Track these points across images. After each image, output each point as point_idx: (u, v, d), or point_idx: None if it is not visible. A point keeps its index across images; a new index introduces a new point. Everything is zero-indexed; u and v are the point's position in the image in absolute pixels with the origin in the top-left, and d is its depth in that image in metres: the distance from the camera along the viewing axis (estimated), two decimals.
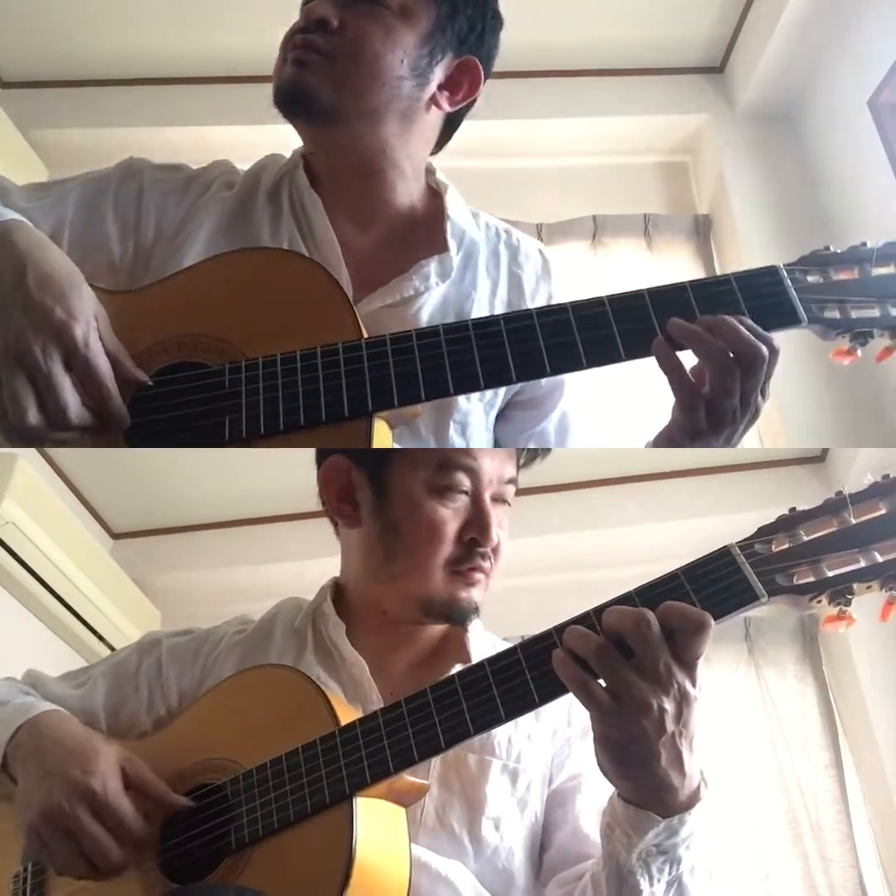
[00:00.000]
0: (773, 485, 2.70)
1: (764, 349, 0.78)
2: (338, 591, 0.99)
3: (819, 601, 0.74)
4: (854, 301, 0.81)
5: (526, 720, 0.90)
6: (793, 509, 0.78)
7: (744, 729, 2.55)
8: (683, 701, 0.69)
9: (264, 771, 0.80)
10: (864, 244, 0.83)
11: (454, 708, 0.76)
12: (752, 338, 0.77)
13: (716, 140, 2.72)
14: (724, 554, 0.75)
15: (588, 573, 2.75)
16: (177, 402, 0.79)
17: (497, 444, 1.05)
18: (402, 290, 0.95)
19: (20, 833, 0.86)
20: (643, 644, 0.69)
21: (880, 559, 0.74)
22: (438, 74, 0.96)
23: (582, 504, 2.75)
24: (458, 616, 0.91)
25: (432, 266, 0.96)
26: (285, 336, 0.79)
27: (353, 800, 0.75)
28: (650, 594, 0.74)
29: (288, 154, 1.05)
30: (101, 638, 2.45)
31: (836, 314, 0.82)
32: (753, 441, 2.57)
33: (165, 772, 0.84)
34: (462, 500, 0.90)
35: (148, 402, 0.79)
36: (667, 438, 0.85)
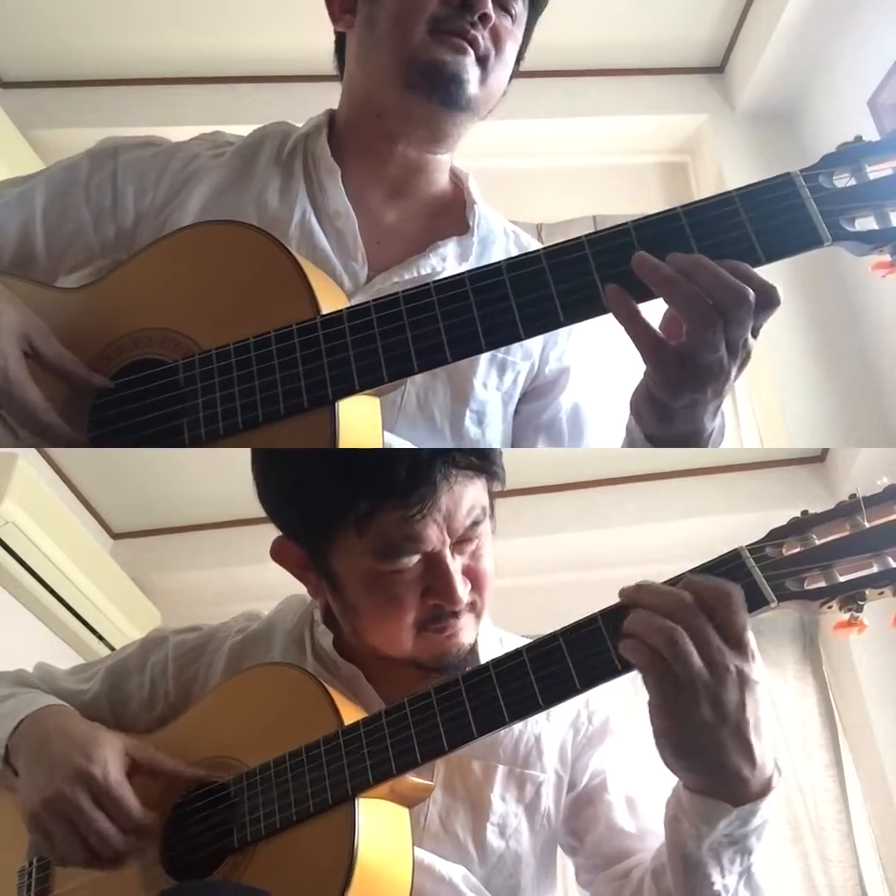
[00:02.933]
0: (773, 485, 2.70)
1: (751, 294, 0.66)
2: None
3: (830, 607, 0.71)
4: (895, 202, 0.67)
5: (534, 720, 0.88)
6: (805, 512, 0.75)
7: None
8: (744, 686, 0.66)
9: (267, 770, 0.80)
10: None
11: (457, 709, 0.75)
12: (737, 282, 0.66)
13: (716, 140, 2.72)
14: (733, 557, 0.74)
15: (588, 573, 2.75)
16: (135, 406, 0.76)
17: (513, 437, 1.01)
18: (419, 268, 0.92)
19: (24, 826, 0.87)
20: (692, 629, 0.66)
21: (894, 564, 0.71)
22: None
23: (582, 504, 2.75)
24: (450, 667, 0.83)
25: (451, 246, 0.94)
26: (240, 320, 0.75)
27: (356, 800, 0.75)
28: None
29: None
30: (101, 638, 2.45)
31: (872, 223, 0.67)
32: (753, 441, 2.57)
33: None
34: (416, 568, 0.79)
35: (107, 408, 0.77)
36: (644, 395, 0.75)
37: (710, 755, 0.67)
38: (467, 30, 0.87)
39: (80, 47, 2.60)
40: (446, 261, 0.94)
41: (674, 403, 0.73)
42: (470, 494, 0.79)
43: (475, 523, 0.80)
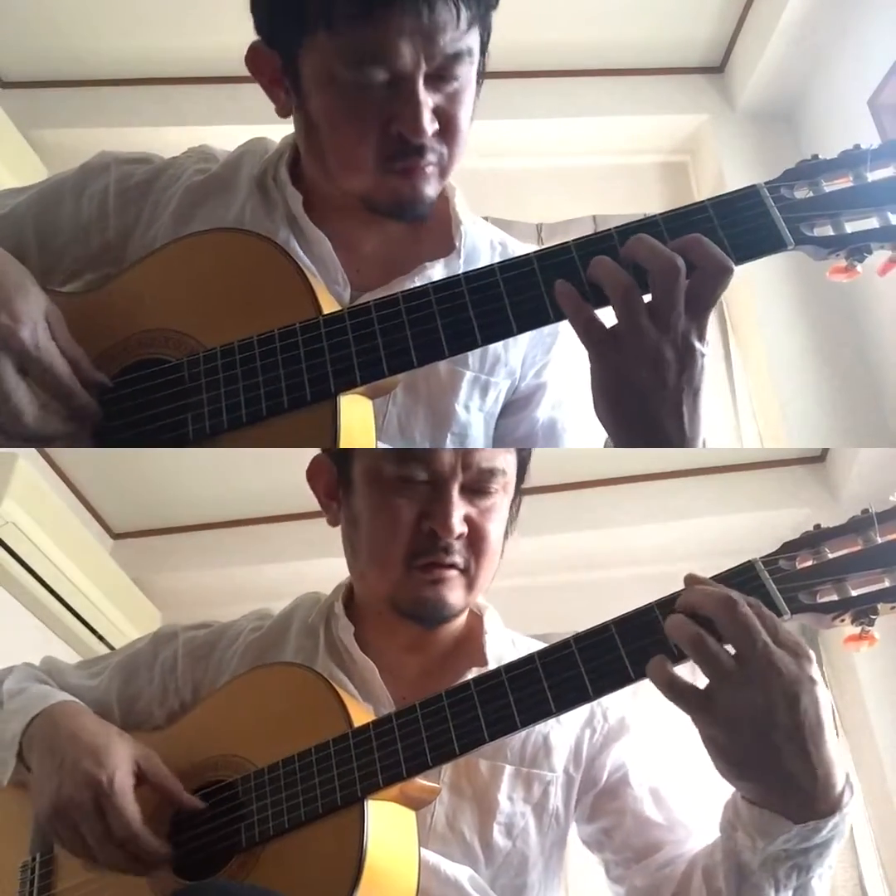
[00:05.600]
0: (774, 485, 2.70)
1: (678, 260, 0.69)
2: (350, 591, 0.97)
3: (842, 620, 0.72)
4: (849, 213, 0.74)
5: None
6: (818, 526, 0.76)
7: None
8: (799, 687, 0.65)
9: (276, 770, 0.80)
10: (858, 146, 0.76)
11: (469, 713, 0.76)
12: (667, 251, 0.69)
13: (716, 140, 2.72)
14: (747, 569, 0.74)
15: (588, 573, 2.75)
16: (139, 402, 0.77)
17: None
18: (403, 290, 0.92)
19: (28, 821, 0.87)
20: (736, 632, 0.66)
21: None
22: None
23: (582, 504, 2.75)
24: (427, 616, 0.86)
25: (437, 268, 0.93)
26: (243, 320, 0.77)
27: (365, 803, 0.75)
28: (671, 608, 0.73)
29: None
30: (101, 638, 2.45)
31: (829, 230, 0.74)
32: (753, 441, 2.57)
33: (177, 766, 0.85)
34: (422, 490, 0.84)
35: (110, 405, 0.78)
36: (597, 390, 0.74)
37: (765, 762, 0.65)
38: (418, 164, 0.83)
39: (80, 47, 2.60)
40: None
41: (620, 391, 0.72)
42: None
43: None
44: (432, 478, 0.84)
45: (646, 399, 0.69)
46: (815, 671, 0.66)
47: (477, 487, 0.86)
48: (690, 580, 0.73)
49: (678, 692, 0.67)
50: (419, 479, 0.84)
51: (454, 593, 0.85)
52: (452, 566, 0.85)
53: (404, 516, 0.84)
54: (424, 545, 0.84)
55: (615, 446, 0.75)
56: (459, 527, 0.84)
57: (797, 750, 0.64)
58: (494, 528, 0.87)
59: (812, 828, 0.66)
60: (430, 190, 0.86)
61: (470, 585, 0.87)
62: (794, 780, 0.65)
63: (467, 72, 0.83)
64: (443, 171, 0.87)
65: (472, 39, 0.82)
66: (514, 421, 1.02)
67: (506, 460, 0.87)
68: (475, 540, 0.86)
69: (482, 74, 0.89)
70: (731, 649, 0.67)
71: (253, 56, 0.88)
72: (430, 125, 0.81)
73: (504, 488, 0.88)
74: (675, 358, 0.68)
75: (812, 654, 0.66)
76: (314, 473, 0.93)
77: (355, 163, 0.85)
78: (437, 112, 0.82)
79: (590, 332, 0.71)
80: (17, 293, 0.75)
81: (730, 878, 0.73)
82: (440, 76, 0.81)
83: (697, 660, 0.67)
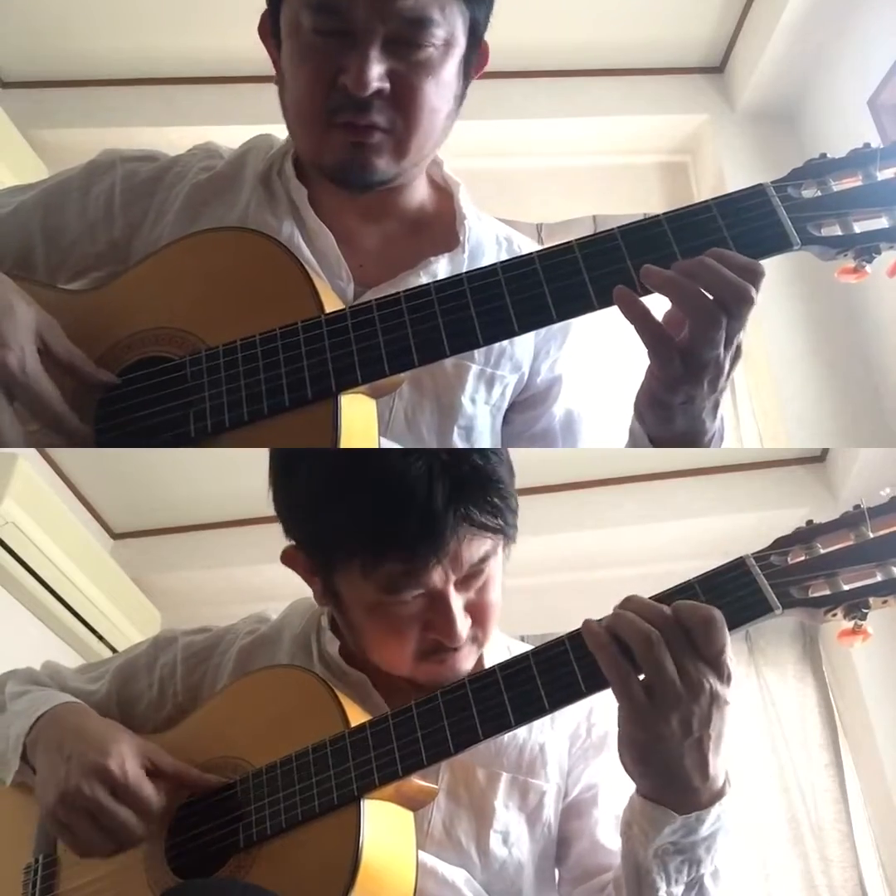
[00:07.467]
0: (773, 485, 2.71)
1: (751, 291, 0.70)
2: None
3: (834, 615, 0.73)
4: (857, 212, 0.73)
5: (539, 729, 0.88)
6: (810, 522, 0.76)
7: (744, 729, 2.55)
8: (713, 703, 0.68)
9: (274, 770, 0.80)
10: (868, 145, 0.75)
11: (463, 712, 0.76)
12: (738, 279, 0.70)
13: (716, 140, 2.72)
14: (738, 564, 0.75)
15: (588, 573, 2.75)
16: (141, 400, 0.77)
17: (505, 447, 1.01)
18: (408, 285, 0.88)
19: (35, 823, 0.87)
20: (669, 641, 0.68)
21: None
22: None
23: (582, 504, 2.76)
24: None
25: (442, 263, 0.93)
26: (246, 319, 0.77)
27: (361, 802, 0.75)
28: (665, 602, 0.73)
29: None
30: (101, 638, 2.45)
31: (837, 230, 0.73)
32: (753, 441, 2.57)
33: None
34: (417, 602, 0.79)
35: (113, 403, 0.78)
36: (647, 395, 0.78)
37: (667, 763, 0.69)
38: (358, 121, 0.83)
39: (80, 47, 2.60)
40: (437, 277, 0.91)
41: (673, 399, 0.76)
42: (481, 545, 0.79)
43: (483, 560, 0.80)
44: (427, 592, 0.78)
45: None
46: (731, 694, 0.69)
47: (470, 575, 0.80)
48: (631, 597, 0.73)
49: (627, 687, 0.69)
50: (415, 594, 0.78)
51: (467, 663, 0.83)
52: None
53: (408, 635, 0.80)
54: (433, 648, 0.81)
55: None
56: (464, 630, 0.80)
57: (699, 757, 0.69)
58: (494, 594, 0.83)
59: (695, 818, 0.71)
60: (380, 160, 0.86)
61: (480, 646, 0.85)
62: (689, 779, 0.70)
63: (434, 42, 0.82)
64: (398, 145, 0.86)
65: (441, 12, 0.81)
66: (532, 416, 1.03)
67: (490, 546, 0.80)
68: (478, 616, 0.82)
69: (470, 69, 0.89)
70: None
71: (262, 21, 0.90)
72: (376, 81, 0.81)
73: (495, 557, 0.82)
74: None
75: (733, 678, 0.69)
76: (289, 559, 0.88)
77: (304, 114, 0.86)
78: (394, 76, 0.82)
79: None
80: (3, 315, 0.74)
81: (630, 881, 0.75)
82: (402, 41, 0.81)
83: (644, 656, 0.69)
